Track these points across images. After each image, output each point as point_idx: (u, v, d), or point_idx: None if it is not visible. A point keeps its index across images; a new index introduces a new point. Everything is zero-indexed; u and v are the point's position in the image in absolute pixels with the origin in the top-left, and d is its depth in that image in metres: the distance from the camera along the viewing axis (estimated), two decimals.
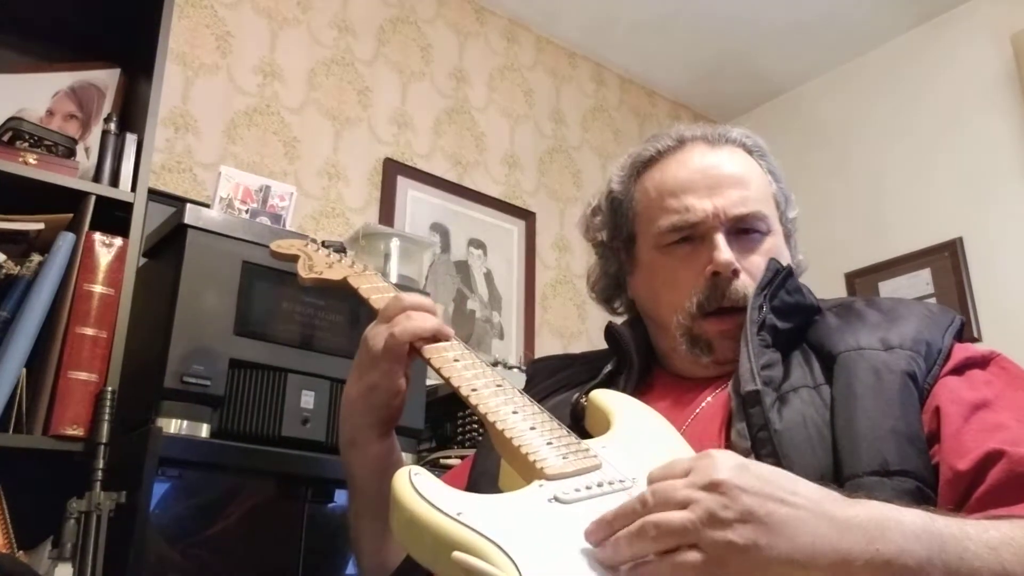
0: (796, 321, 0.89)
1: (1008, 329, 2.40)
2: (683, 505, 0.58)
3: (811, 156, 3.06)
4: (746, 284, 0.90)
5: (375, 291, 0.97)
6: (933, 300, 2.56)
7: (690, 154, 0.97)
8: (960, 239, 2.60)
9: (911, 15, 2.83)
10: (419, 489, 0.65)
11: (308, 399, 1.30)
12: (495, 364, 2.13)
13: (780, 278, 0.89)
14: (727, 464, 0.60)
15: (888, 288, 2.71)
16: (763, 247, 0.93)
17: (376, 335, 0.91)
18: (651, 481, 0.63)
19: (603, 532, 0.62)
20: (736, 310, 0.90)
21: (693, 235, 0.93)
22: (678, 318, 0.92)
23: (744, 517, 0.57)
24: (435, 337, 0.90)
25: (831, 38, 2.94)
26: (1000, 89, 2.60)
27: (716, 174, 0.95)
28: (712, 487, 0.58)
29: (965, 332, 0.87)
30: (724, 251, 0.90)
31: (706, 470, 0.60)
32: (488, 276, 2.53)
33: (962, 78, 2.71)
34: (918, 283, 2.65)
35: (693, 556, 0.57)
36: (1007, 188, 2.54)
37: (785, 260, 0.95)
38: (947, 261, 2.61)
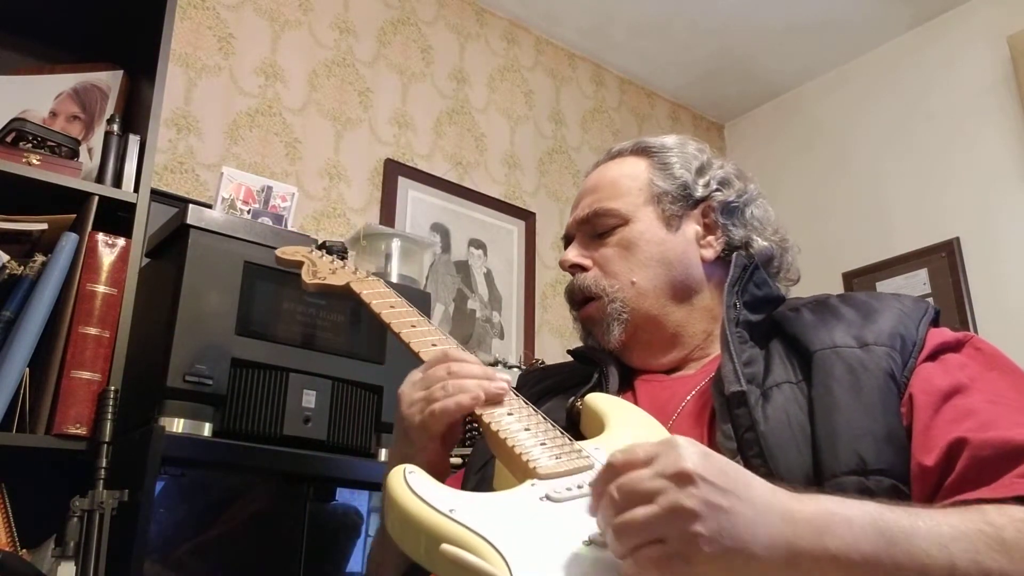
0: (765, 312, 0.92)
1: (1005, 329, 2.41)
2: (649, 498, 0.57)
3: (808, 157, 3.06)
4: (596, 277, 1.00)
5: (376, 296, 1.01)
6: (930, 300, 2.56)
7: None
8: (957, 239, 2.60)
9: (908, 17, 2.84)
10: (413, 487, 0.66)
11: (310, 398, 1.31)
12: (495, 364, 2.14)
13: (748, 273, 0.93)
14: (693, 452, 0.59)
15: (885, 288, 2.71)
16: (615, 238, 1.00)
17: (411, 403, 0.82)
18: (612, 466, 0.61)
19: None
20: (590, 299, 1.00)
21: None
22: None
23: (710, 508, 0.56)
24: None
25: (829, 39, 2.95)
26: (997, 90, 2.61)
27: (580, 192, 1.07)
28: (678, 478, 0.57)
29: (941, 322, 0.87)
30: (566, 254, 1.04)
31: (672, 459, 0.58)
32: (488, 276, 2.54)
33: (959, 79, 2.72)
34: (915, 283, 2.65)
35: (656, 550, 0.56)
36: (1004, 188, 2.55)
37: (651, 238, 0.99)
38: (944, 261, 2.61)
